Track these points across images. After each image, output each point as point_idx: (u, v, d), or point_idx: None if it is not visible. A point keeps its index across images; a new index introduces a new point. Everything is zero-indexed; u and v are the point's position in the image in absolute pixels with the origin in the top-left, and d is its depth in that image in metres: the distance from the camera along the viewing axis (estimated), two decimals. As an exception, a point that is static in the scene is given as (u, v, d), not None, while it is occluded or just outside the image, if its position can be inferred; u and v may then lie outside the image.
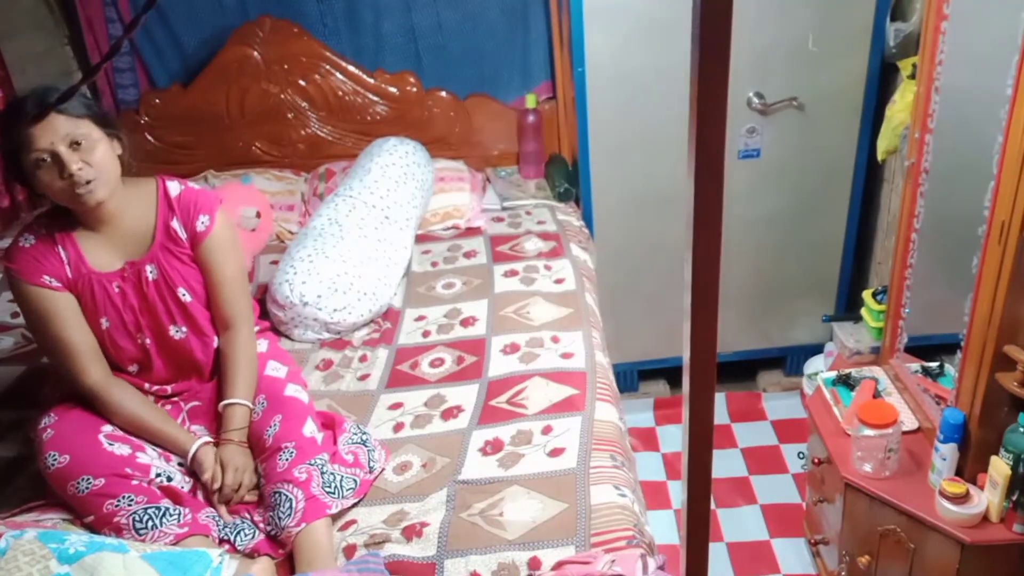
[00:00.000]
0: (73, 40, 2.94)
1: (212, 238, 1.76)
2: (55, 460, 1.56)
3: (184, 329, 1.76)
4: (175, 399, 1.82)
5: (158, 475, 1.61)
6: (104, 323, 1.69)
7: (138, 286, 1.71)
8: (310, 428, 1.69)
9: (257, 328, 1.93)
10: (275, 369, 1.82)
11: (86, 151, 1.56)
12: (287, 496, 1.57)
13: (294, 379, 1.82)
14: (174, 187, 1.76)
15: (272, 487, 1.60)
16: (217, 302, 1.79)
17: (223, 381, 1.77)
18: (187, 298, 1.75)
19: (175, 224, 1.74)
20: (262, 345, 1.88)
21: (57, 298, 1.64)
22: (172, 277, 1.73)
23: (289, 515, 1.55)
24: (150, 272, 1.72)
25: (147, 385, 1.78)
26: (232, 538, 1.58)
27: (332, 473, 1.63)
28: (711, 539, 1.14)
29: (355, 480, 1.66)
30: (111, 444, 1.61)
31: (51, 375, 1.85)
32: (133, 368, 1.76)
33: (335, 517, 1.62)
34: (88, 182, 1.56)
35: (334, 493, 1.61)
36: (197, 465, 1.66)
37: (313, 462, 1.62)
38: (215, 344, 1.81)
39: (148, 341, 1.74)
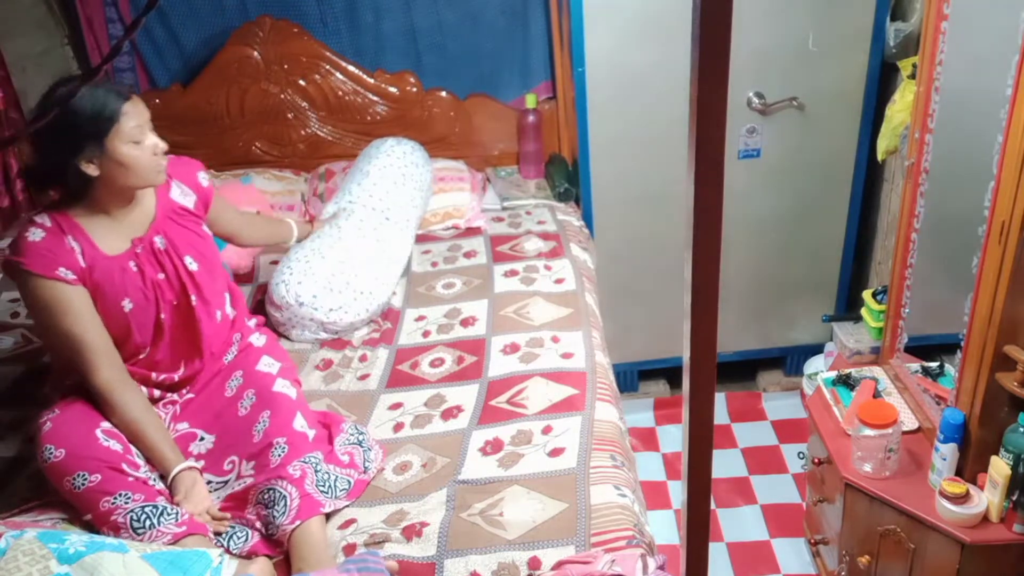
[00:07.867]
0: (73, 40, 2.94)
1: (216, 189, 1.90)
2: (51, 453, 1.57)
3: (194, 297, 1.79)
4: (175, 398, 1.82)
5: (148, 474, 1.62)
6: (127, 305, 1.69)
7: (151, 259, 1.73)
8: (300, 423, 1.69)
9: (256, 323, 2.00)
10: (268, 365, 1.83)
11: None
12: (282, 494, 1.57)
13: (285, 375, 1.82)
14: None
15: (266, 483, 1.60)
16: (254, 221, 2.20)
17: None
18: (194, 266, 1.78)
19: (175, 192, 1.81)
20: (261, 340, 1.92)
21: (72, 292, 1.63)
22: (178, 246, 1.77)
23: (284, 513, 1.55)
24: (159, 242, 1.75)
25: (154, 375, 1.78)
26: (226, 543, 1.58)
27: (327, 472, 1.64)
28: (711, 539, 1.14)
29: (349, 481, 1.67)
30: (107, 440, 1.61)
31: (51, 375, 1.85)
32: (145, 352, 1.76)
33: (330, 515, 1.62)
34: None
35: (327, 492, 1.62)
36: (173, 488, 1.64)
37: (306, 459, 1.63)
38: (218, 316, 1.84)
39: (164, 316, 1.75)
